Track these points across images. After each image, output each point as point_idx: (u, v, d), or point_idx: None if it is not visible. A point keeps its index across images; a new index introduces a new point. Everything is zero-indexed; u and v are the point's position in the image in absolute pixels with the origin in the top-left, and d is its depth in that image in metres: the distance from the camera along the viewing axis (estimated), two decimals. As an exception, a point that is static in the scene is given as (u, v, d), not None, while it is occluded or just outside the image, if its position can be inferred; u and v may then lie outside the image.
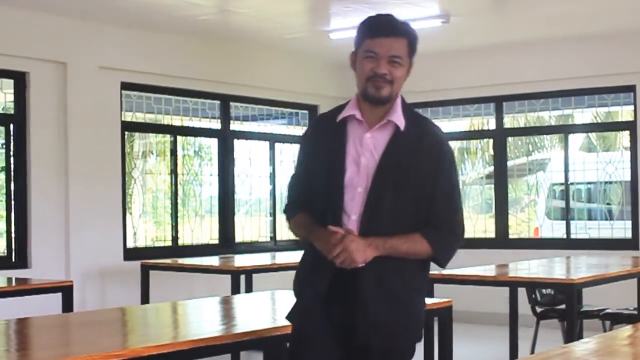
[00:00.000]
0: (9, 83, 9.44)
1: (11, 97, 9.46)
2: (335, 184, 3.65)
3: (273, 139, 12.40)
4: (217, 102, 11.58)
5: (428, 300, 5.78)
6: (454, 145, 12.95)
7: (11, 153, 9.41)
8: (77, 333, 4.39)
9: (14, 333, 4.33)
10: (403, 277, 3.66)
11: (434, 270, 7.56)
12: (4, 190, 9.48)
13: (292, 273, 10.68)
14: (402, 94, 3.83)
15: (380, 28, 3.72)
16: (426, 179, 3.64)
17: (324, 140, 3.77)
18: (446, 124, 12.78)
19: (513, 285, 7.99)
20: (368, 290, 3.58)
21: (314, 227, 3.74)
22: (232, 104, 11.75)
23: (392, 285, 3.62)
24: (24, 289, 6.79)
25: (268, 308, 5.62)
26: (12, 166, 9.41)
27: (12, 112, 9.46)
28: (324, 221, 3.66)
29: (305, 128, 13.04)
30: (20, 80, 9.41)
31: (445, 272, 7.47)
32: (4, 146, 9.45)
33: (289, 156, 12.55)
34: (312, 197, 3.77)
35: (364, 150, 3.66)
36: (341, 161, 3.65)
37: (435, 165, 3.66)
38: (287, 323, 4.60)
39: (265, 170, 12.28)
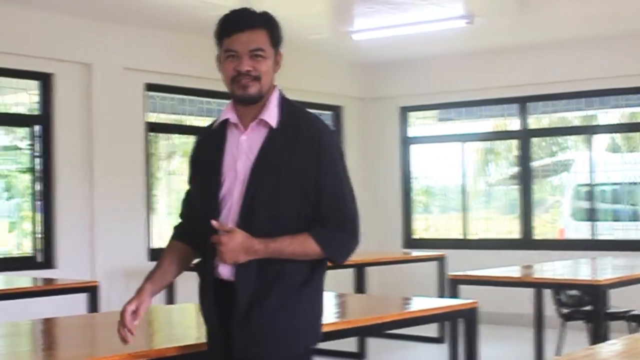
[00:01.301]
0: (35, 84, 9.49)
1: (37, 99, 9.51)
2: (212, 194, 3.44)
3: (297, 139, 12.36)
4: (241, 103, 11.57)
5: (454, 302, 5.80)
6: (478, 146, 12.92)
7: (37, 154, 9.45)
8: (103, 333, 4.40)
9: (40, 333, 4.35)
10: (287, 283, 3.39)
11: (458, 271, 7.59)
12: (29, 191, 9.52)
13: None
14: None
15: (234, 24, 3.44)
16: (307, 176, 3.38)
17: (204, 151, 3.57)
18: (470, 125, 12.77)
19: (538, 286, 7.97)
20: (244, 303, 3.34)
21: (153, 273, 3.63)
22: (255, 105, 11.73)
23: (273, 293, 3.36)
24: (49, 289, 6.82)
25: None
26: (37, 167, 9.45)
27: (37, 113, 9.50)
28: (205, 231, 3.40)
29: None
30: (45, 82, 9.46)
31: (470, 273, 7.49)
32: (30, 147, 9.50)
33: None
34: (195, 213, 3.57)
35: (240, 154, 3.44)
36: (218, 170, 3.44)
37: (316, 160, 3.39)
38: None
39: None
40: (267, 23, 3.48)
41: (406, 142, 13.09)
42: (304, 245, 3.37)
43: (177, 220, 3.76)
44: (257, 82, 3.41)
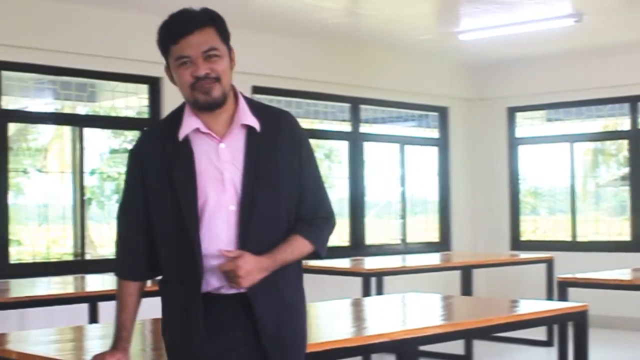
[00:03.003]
0: (144, 88, 9.65)
1: (146, 102, 9.67)
2: (190, 208, 3.16)
3: (403, 141, 12.38)
4: (347, 105, 11.61)
5: (563, 305, 5.72)
6: (588, 146, 12.71)
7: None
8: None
9: (149, 333, 4.41)
10: (295, 287, 3.38)
11: (567, 273, 7.48)
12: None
13: (423, 275, 10.59)
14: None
15: (178, 28, 3.22)
16: (293, 177, 3.28)
17: (165, 167, 3.22)
18: (579, 125, 12.58)
19: (650, 289, 7.81)
20: (264, 312, 3.20)
21: (121, 327, 3.35)
22: (361, 106, 11.76)
23: (284, 295, 3.29)
24: (158, 290, 6.91)
25: (399, 311, 5.61)
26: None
27: (147, 116, 9.66)
28: (186, 257, 3.18)
29: (435, 130, 12.90)
30: (154, 85, 9.60)
31: (580, 275, 7.38)
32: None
33: (419, 158, 12.55)
34: (156, 227, 3.27)
35: (224, 164, 3.20)
36: (193, 184, 3.16)
37: (298, 159, 3.30)
38: (421, 326, 4.58)
39: (396, 173, 12.27)
40: (212, 19, 3.25)
41: (514, 142, 12.95)
42: (301, 249, 3.30)
43: (123, 244, 3.40)
44: (218, 84, 3.20)
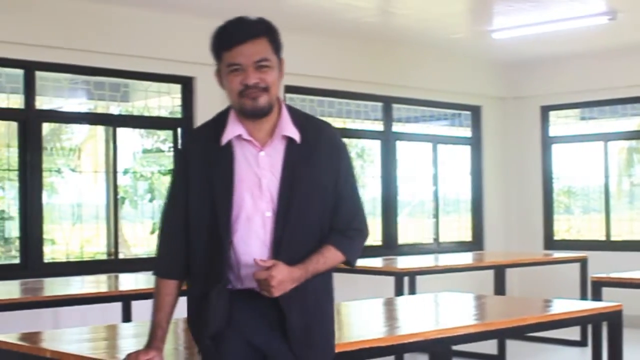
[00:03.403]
0: (177, 88, 9.67)
1: (179, 102, 9.69)
2: (225, 212, 3.24)
3: (436, 140, 12.34)
4: (380, 104, 11.59)
5: (597, 304, 5.69)
6: (622, 145, 12.63)
7: (178, 156, 9.62)
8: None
9: (181, 332, 4.42)
10: (328, 294, 3.45)
11: (600, 273, 7.43)
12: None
13: (456, 275, 10.54)
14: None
15: (233, 36, 3.33)
16: (329, 188, 3.36)
17: (206, 168, 3.32)
18: (613, 124, 12.50)
19: (686, 288, 7.74)
20: (294, 315, 3.26)
21: (156, 326, 3.35)
22: (394, 105, 11.74)
23: (312, 298, 3.33)
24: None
25: (432, 310, 5.60)
26: (179, 168, 9.61)
27: (179, 115, 9.68)
28: (214, 255, 3.27)
29: (468, 129, 12.85)
30: (187, 85, 9.62)
31: (614, 275, 7.33)
32: (172, 149, 9.68)
33: (451, 157, 12.51)
34: (192, 227, 3.33)
35: (263, 171, 3.29)
36: (230, 188, 3.26)
37: (337, 172, 3.38)
38: (454, 325, 4.57)
39: (428, 172, 12.24)
40: (267, 30, 3.41)
41: (547, 141, 12.88)
42: (333, 259, 3.38)
43: (164, 241, 3.44)
44: (266, 94, 3.28)
